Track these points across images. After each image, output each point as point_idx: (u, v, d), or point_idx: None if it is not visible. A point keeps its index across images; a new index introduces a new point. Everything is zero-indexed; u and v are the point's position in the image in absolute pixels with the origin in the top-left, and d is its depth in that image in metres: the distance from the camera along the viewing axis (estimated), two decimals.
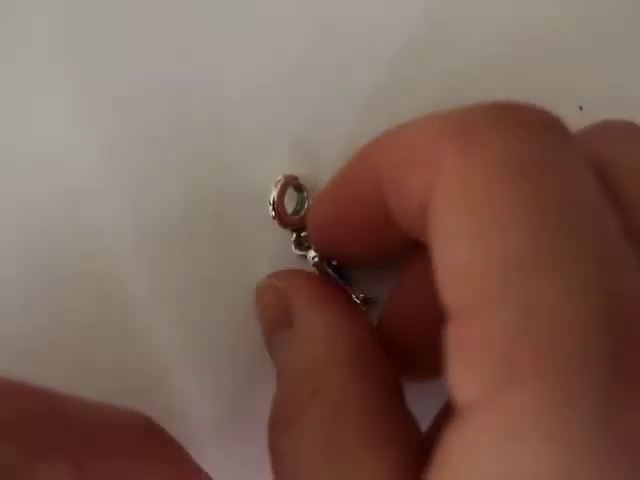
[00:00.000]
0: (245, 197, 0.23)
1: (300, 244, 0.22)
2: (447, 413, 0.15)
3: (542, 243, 0.13)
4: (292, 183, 0.22)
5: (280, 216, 0.22)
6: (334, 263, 0.21)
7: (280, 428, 0.16)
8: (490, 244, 0.13)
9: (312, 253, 0.21)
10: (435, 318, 0.15)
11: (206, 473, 0.17)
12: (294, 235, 0.22)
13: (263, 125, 0.24)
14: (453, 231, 0.14)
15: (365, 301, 0.22)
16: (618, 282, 0.13)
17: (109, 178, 0.23)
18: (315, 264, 0.21)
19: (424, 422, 0.19)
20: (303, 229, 0.22)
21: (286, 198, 0.22)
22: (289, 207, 0.23)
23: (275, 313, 0.19)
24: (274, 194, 0.22)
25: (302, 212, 0.22)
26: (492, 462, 0.12)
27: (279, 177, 0.22)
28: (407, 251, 0.19)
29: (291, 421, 0.16)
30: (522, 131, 0.15)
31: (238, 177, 0.23)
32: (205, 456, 0.18)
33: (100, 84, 0.23)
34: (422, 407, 0.18)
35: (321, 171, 0.24)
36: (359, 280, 0.22)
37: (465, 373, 0.13)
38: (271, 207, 0.22)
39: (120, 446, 0.15)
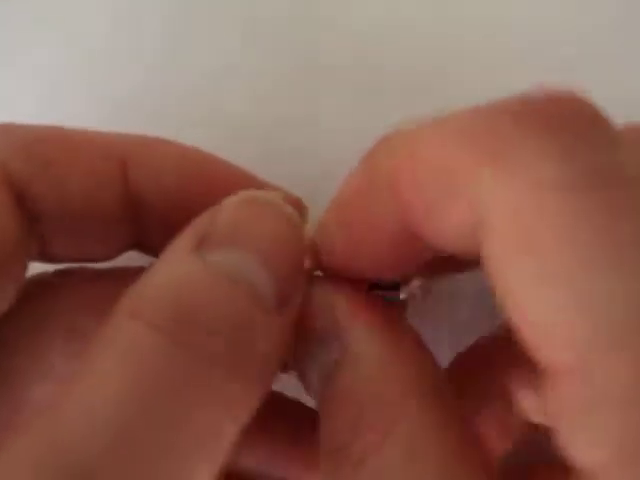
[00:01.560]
0: None
1: None
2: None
3: (633, 287, 0.12)
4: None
5: None
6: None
7: (348, 462, 0.15)
8: (579, 298, 0.12)
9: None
10: None
11: None
12: None
13: None
14: (528, 285, 0.13)
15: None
16: None
17: None
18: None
19: None
20: None
21: None
22: None
23: (322, 330, 0.17)
24: None
25: None
26: None
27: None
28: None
29: (364, 455, 0.15)
30: (568, 141, 0.13)
31: None
32: None
33: None
34: None
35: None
36: None
37: (590, 437, 0.12)
38: None
39: None
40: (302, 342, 0.17)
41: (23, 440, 0.13)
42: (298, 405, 0.21)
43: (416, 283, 0.19)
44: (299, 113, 0.25)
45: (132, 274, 0.15)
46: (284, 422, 0.20)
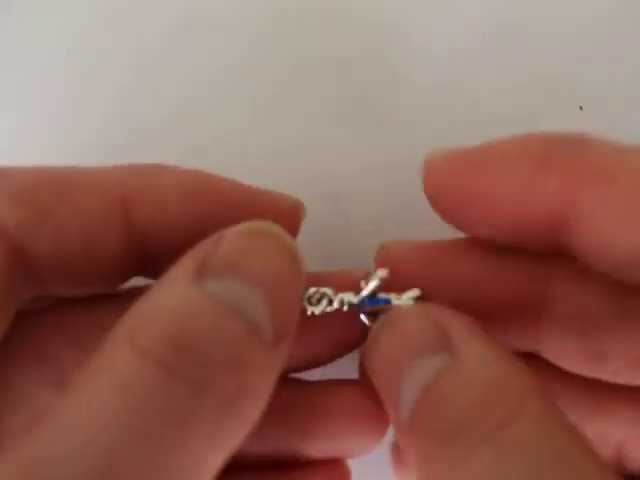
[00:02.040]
0: None
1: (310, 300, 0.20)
2: None
3: None
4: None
5: None
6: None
7: (468, 444, 0.15)
8: None
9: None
10: None
11: None
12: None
13: None
14: None
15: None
16: None
17: None
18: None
19: None
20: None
21: None
22: None
23: (424, 338, 0.17)
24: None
25: None
26: None
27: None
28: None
29: (491, 436, 0.15)
30: None
31: None
32: None
33: None
34: None
35: None
36: None
37: None
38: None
39: None
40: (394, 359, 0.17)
41: (7, 457, 0.13)
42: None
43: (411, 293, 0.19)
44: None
45: (104, 301, 0.15)
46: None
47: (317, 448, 0.20)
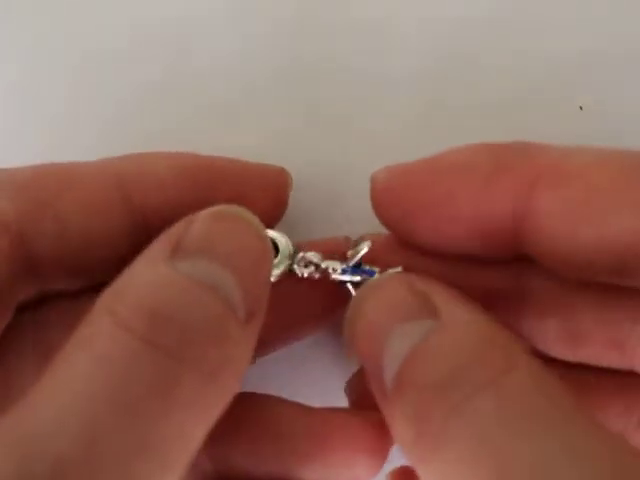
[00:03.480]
0: None
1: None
2: None
3: None
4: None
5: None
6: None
7: (465, 393, 0.15)
8: None
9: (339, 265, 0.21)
10: None
11: None
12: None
13: None
14: None
15: None
16: None
17: None
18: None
19: None
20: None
21: None
22: None
23: (408, 304, 0.18)
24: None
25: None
26: None
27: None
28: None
29: (488, 385, 0.15)
30: None
31: None
32: None
33: None
34: None
35: None
36: None
37: None
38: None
39: None
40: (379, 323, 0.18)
41: None
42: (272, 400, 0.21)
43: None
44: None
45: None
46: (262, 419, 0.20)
47: (314, 474, 0.20)
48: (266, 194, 0.21)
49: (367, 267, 0.21)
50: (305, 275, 0.21)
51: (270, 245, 0.18)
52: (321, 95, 0.25)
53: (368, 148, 0.25)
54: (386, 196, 0.20)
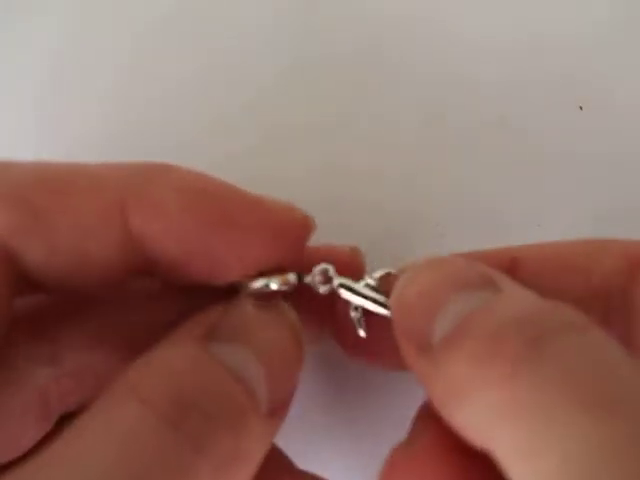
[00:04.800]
0: None
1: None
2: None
3: None
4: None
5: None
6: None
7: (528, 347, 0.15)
8: None
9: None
10: None
11: None
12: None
13: None
14: None
15: None
16: None
17: None
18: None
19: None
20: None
21: None
22: None
23: (468, 276, 0.17)
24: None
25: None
26: None
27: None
28: None
29: (571, 327, 0.15)
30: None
31: None
32: None
33: None
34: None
35: None
36: None
37: None
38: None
39: None
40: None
41: None
42: None
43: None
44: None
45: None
46: None
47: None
48: (281, 246, 0.19)
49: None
50: (321, 291, 0.20)
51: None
52: (321, 95, 0.25)
53: (368, 148, 0.25)
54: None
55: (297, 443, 0.24)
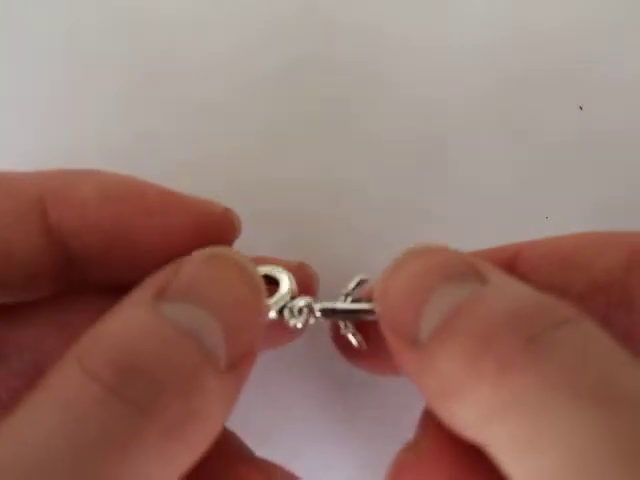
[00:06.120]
0: None
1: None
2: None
3: None
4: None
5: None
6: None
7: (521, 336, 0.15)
8: None
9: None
10: None
11: None
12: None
13: None
14: None
15: None
16: None
17: None
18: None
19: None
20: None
21: None
22: None
23: (455, 266, 0.17)
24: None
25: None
26: None
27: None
28: None
29: (568, 320, 0.15)
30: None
31: None
32: None
33: None
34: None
35: None
36: None
37: None
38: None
39: None
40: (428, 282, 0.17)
41: None
42: None
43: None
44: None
45: None
46: None
47: None
48: (199, 234, 0.19)
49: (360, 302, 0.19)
50: (300, 326, 0.19)
51: (262, 291, 0.17)
52: (320, 95, 0.25)
53: (368, 149, 0.25)
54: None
55: (297, 443, 0.24)
